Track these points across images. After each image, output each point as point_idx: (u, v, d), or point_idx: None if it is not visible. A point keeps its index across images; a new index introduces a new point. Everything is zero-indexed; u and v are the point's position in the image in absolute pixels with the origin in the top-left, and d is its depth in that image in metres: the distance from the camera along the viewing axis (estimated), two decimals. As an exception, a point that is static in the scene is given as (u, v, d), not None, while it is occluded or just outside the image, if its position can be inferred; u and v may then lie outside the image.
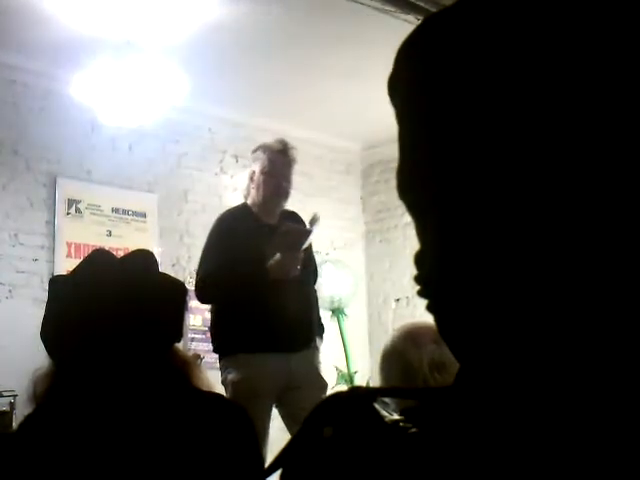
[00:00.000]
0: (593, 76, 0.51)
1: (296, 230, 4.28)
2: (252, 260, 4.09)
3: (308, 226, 4.32)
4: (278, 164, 4.30)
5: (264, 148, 4.36)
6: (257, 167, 4.32)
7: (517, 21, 0.54)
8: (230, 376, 4.05)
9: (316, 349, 4.30)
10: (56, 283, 1.88)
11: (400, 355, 2.05)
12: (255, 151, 4.40)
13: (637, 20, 0.53)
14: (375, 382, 6.34)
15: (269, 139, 4.47)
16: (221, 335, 4.20)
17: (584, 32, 0.52)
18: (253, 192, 4.33)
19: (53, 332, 1.79)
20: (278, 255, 4.11)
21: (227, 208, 4.61)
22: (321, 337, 4.37)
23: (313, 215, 4.39)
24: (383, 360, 2.12)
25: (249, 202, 4.36)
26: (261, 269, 4.09)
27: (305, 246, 4.24)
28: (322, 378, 4.25)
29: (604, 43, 0.52)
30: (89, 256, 1.93)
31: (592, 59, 0.52)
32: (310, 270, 4.42)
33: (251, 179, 4.35)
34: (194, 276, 4.41)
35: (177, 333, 1.86)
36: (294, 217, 4.43)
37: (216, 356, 4.24)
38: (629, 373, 0.50)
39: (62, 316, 1.78)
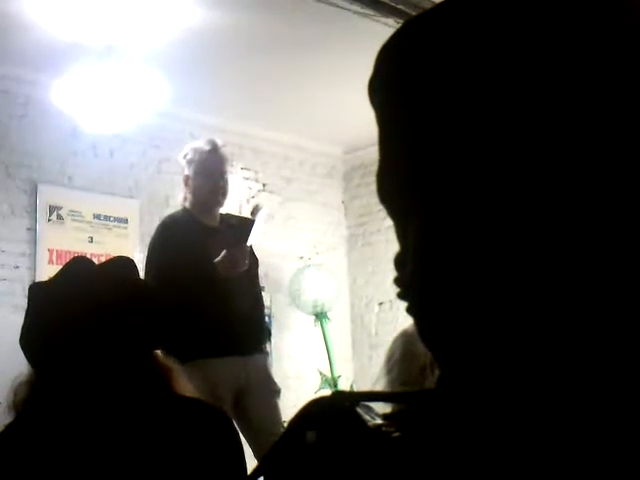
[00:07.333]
0: (566, 84, 0.52)
1: (240, 221, 4.28)
2: (200, 261, 4.08)
3: (250, 216, 4.32)
4: (211, 164, 4.28)
5: (194, 150, 4.33)
6: (190, 170, 4.30)
7: (496, 25, 0.54)
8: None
9: (267, 353, 4.32)
10: (35, 291, 1.87)
11: (411, 336, 2.05)
12: (185, 155, 4.36)
13: (596, 18, 0.53)
14: (359, 386, 6.34)
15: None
16: (173, 344, 4.15)
17: (559, 37, 0.52)
18: (190, 196, 4.32)
19: (33, 339, 1.78)
20: (225, 251, 4.11)
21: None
22: (269, 340, 4.37)
23: (255, 205, 4.40)
24: (394, 340, 2.13)
25: (188, 206, 4.34)
26: (209, 267, 4.08)
27: (250, 238, 4.22)
28: (275, 382, 4.27)
29: (576, 53, 0.52)
30: (68, 263, 1.92)
31: (566, 66, 0.52)
32: (256, 271, 4.42)
33: (186, 184, 4.33)
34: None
35: (158, 339, 1.86)
36: (234, 218, 4.46)
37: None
38: (608, 379, 0.50)
39: (41, 323, 1.77)
